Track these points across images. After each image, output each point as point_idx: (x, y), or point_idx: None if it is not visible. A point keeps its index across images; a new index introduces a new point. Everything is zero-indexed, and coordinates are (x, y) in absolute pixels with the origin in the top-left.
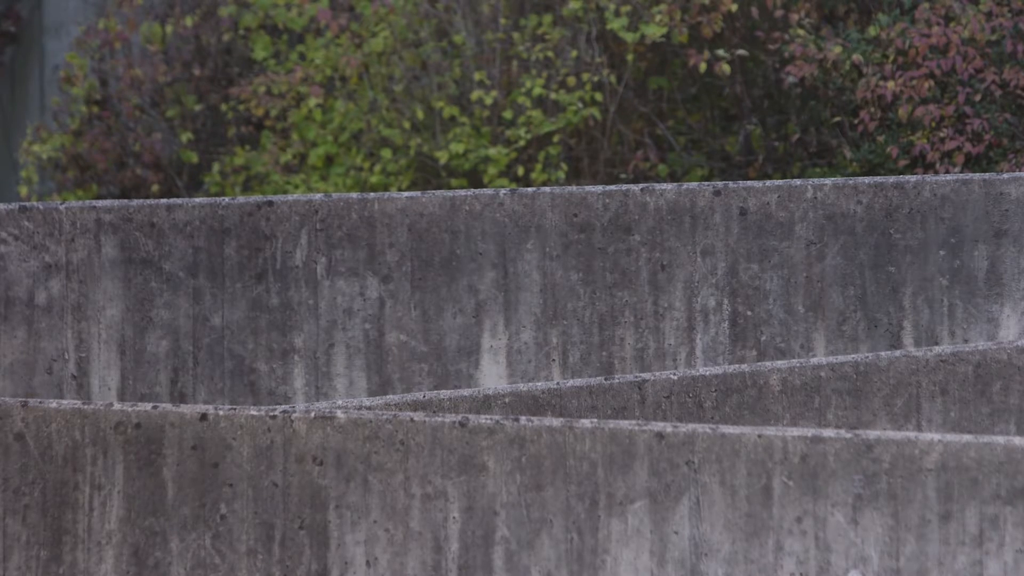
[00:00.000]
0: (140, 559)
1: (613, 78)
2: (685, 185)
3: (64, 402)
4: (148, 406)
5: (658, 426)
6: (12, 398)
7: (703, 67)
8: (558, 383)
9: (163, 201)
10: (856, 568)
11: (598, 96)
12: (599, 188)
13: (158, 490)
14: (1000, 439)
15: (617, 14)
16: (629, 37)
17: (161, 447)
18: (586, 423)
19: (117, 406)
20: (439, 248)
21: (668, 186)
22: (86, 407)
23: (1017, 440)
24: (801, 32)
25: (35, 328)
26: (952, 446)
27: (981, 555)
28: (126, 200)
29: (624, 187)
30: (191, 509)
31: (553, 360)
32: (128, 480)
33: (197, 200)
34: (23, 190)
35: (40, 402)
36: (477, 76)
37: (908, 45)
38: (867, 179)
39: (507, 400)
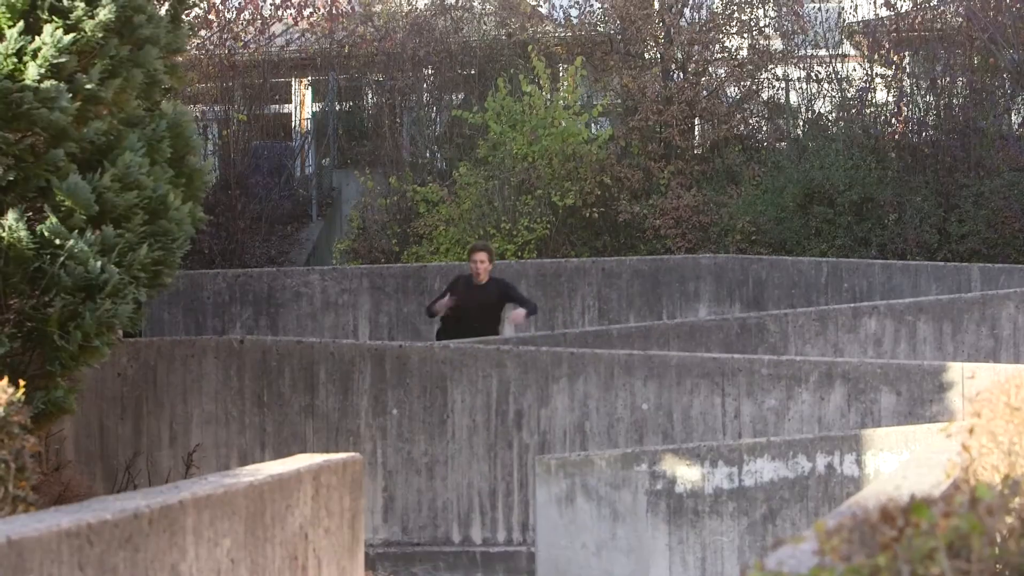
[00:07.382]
0: (379, 403)
1: None
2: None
3: (347, 342)
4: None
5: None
6: (325, 339)
7: None
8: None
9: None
10: None
11: None
12: None
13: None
14: None
15: None
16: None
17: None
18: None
19: (369, 343)
20: None
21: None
22: (359, 343)
23: None
24: None
25: (336, 314)
26: None
27: None
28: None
29: None
30: (404, 389)
31: None
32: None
33: None
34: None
35: (342, 342)
36: None
37: None
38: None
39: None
